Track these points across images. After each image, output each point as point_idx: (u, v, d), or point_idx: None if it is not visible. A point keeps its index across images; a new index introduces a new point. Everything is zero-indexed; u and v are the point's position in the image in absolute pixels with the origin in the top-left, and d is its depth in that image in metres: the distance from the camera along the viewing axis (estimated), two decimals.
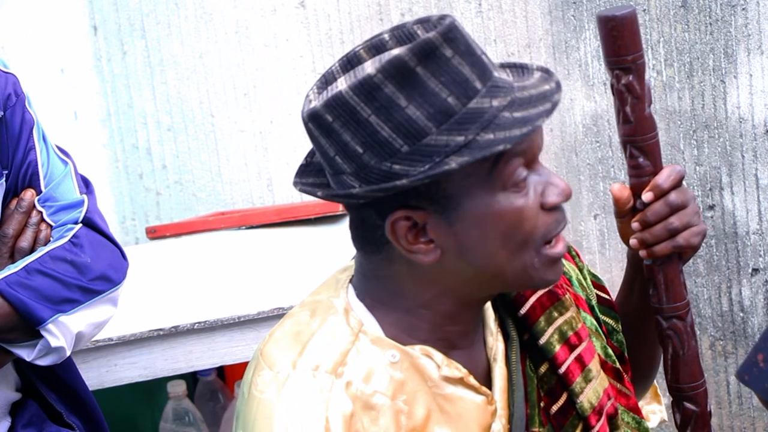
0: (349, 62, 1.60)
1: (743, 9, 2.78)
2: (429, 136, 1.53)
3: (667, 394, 1.84)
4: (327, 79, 1.61)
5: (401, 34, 1.60)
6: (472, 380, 1.67)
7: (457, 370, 1.66)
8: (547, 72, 1.64)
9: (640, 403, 1.98)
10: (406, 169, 1.54)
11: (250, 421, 1.61)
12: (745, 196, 2.88)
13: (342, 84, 1.56)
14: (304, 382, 1.60)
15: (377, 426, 1.60)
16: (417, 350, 1.65)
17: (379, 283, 1.66)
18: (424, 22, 1.60)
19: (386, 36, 1.60)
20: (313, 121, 1.58)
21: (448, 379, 1.66)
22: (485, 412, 1.68)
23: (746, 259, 2.92)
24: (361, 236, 1.64)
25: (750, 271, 2.92)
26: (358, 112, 1.54)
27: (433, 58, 1.54)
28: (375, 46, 1.60)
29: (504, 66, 1.66)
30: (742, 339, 2.97)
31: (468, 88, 1.55)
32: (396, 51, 1.55)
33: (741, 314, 2.96)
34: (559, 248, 1.63)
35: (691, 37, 2.86)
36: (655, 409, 2.00)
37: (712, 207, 2.92)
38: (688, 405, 1.80)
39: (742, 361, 2.96)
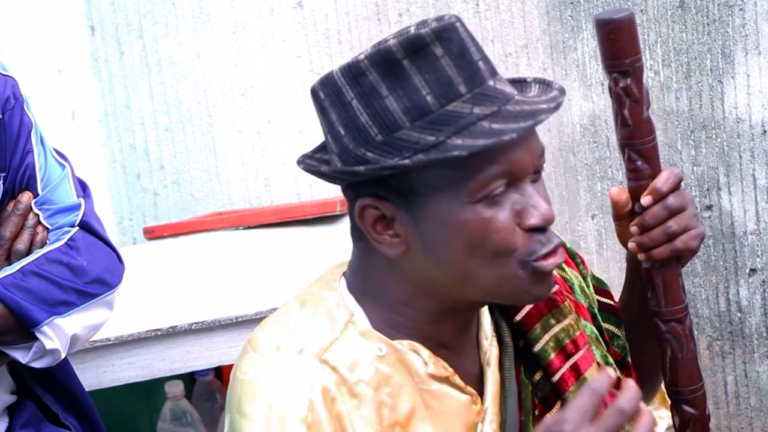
0: (379, 44, 1.61)
1: (741, 9, 2.78)
2: (402, 130, 1.54)
3: None
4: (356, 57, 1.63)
5: (422, 26, 1.60)
6: (457, 380, 1.68)
7: (444, 369, 1.66)
8: (561, 91, 1.62)
9: (648, 408, 1.98)
10: (377, 158, 1.55)
11: (235, 401, 1.62)
12: (743, 197, 2.88)
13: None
14: (288, 363, 1.60)
15: (359, 414, 1.60)
16: (405, 345, 1.65)
17: (365, 275, 1.66)
18: (438, 19, 1.60)
19: (412, 29, 1.60)
20: (313, 96, 1.61)
21: (434, 377, 1.66)
22: (470, 411, 1.69)
23: (744, 259, 2.91)
24: (350, 219, 1.65)
25: (747, 271, 2.92)
26: (343, 93, 1.57)
27: (421, 53, 1.54)
28: (402, 34, 1.60)
29: (536, 81, 1.65)
30: (739, 339, 2.97)
31: (450, 91, 1.54)
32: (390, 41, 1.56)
33: (738, 314, 2.96)
34: (548, 262, 1.60)
35: (688, 38, 2.85)
36: (663, 414, 1.97)
37: (709, 207, 2.92)
38: (687, 408, 1.79)
39: (739, 362, 2.97)
